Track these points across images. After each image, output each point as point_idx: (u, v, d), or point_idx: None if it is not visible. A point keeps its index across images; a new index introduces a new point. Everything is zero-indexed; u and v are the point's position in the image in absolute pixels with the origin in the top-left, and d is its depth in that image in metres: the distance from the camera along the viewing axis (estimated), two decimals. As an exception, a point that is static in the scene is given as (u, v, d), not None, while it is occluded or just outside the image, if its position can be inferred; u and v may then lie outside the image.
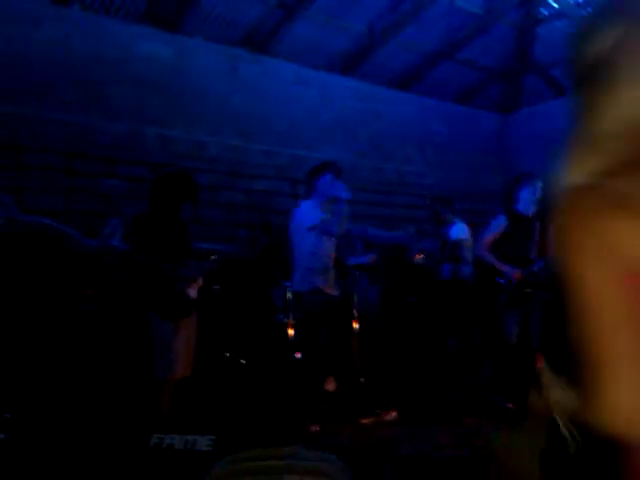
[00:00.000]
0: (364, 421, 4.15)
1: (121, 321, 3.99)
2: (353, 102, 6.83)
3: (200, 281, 3.75)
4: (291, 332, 4.72)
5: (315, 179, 4.48)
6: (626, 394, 0.86)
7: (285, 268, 5.36)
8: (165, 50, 5.59)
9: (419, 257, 5.46)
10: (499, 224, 4.58)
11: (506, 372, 4.41)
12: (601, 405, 0.86)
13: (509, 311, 4.48)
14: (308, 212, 4.40)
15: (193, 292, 3.67)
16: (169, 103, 5.58)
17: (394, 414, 4.18)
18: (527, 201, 4.53)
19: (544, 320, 4.37)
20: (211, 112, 5.82)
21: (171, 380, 3.53)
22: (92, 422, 3.30)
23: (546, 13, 6.06)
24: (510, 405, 4.09)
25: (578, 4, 5.82)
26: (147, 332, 3.55)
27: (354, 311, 4.53)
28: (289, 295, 4.84)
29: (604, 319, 0.87)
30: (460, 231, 5.40)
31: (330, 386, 4.52)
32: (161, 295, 3.52)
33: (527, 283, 4.41)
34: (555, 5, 5.89)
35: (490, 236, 4.58)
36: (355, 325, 4.51)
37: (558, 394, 1.12)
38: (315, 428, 3.45)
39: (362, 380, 4.60)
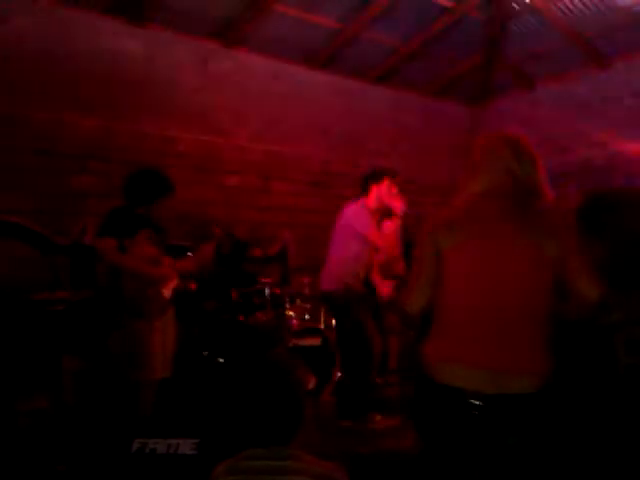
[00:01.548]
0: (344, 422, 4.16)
1: (95, 322, 3.90)
2: (327, 96, 6.80)
3: (175, 280, 3.68)
4: (270, 329, 4.71)
5: (375, 182, 4.30)
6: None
7: (263, 265, 5.33)
8: (135, 44, 5.46)
9: None
10: None
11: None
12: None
13: None
14: (360, 217, 4.21)
15: (168, 291, 3.59)
16: (140, 98, 5.46)
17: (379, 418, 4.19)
18: None
19: None
20: (182, 107, 5.71)
21: (150, 382, 3.46)
22: (72, 427, 3.23)
23: (517, 7, 6.09)
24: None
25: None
26: (123, 332, 3.47)
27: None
28: (267, 292, 4.81)
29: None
30: None
31: (310, 384, 4.51)
32: (135, 294, 3.44)
33: None
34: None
35: None
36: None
37: None
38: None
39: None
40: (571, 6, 5.96)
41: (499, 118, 8.03)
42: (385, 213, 4.30)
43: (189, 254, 3.95)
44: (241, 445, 1.76)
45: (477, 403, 1.66)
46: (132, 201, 3.56)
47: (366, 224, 4.13)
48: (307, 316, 5.11)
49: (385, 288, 4.91)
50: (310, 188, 6.66)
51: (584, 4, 5.90)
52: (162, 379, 3.53)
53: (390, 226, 4.33)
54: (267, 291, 4.82)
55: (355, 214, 4.21)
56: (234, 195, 6.06)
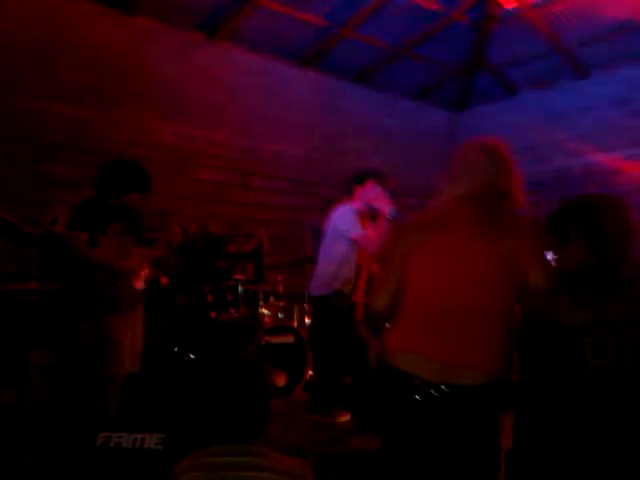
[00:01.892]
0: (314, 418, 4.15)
1: (65, 314, 3.83)
2: (309, 95, 6.79)
3: (147, 272, 3.63)
4: (242, 327, 4.69)
5: (359, 184, 4.24)
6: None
7: (237, 262, 5.29)
8: (118, 33, 5.38)
9: None
10: None
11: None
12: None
13: None
14: (345, 218, 4.15)
15: (139, 282, 3.55)
16: (120, 87, 5.38)
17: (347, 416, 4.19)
18: None
19: None
20: (163, 98, 5.65)
21: (118, 376, 3.41)
22: (35, 421, 3.17)
23: (502, 13, 6.14)
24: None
25: (536, 5, 5.92)
26: (92, 325, 3.42)
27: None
28: (241, 289, 4.78)
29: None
30: None
31: (280, 381, 4.50)
32: (105, 287, 3.38)
33: None
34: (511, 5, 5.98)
35: None
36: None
37: None
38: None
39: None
40: (555, 15, 6.04)
41: (479, 124, 8.09)
42: (372, 215, 4.24)
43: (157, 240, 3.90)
44: (206, 441, 1.75)
45: (428, 390, 1.76)
46: (105, 193, 3.50)
47: (351, 225, 4.07)
48: (280, 314, 5.09)
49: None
50: (290, 186, 6.64)
51: (567, 14, 5.97)
52: (130, 374, 3.48)
53: (377, 228, 4.24)
54: (240, 288, 4.78)
55: (340, 215, 4.17)
56: (210, 190, 6.01)
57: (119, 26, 5.40)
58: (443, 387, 1.74)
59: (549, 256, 1.95)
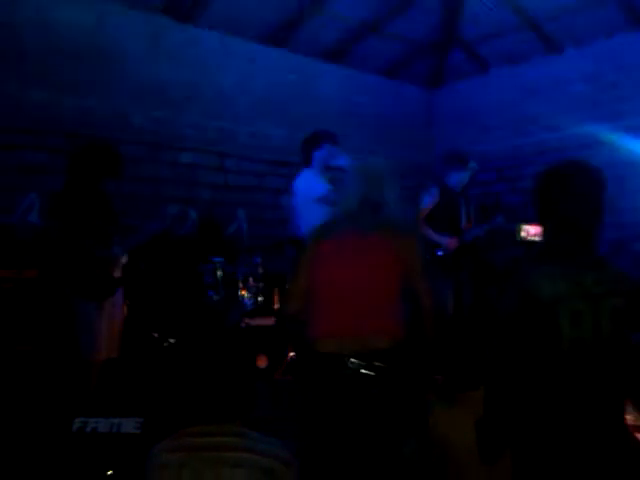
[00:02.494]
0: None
1: (41, 301, 3.80)
2: (283, 74, 6.71)
3: (124, 259, 3.61)
4: (221, 310, 4.68)
5: (313, 149, 4.18)
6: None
7: (218, 245, 5.27)
8: (84, 16, 5.26)
9: None
10: (432, 198, 4.65)
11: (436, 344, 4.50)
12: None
13: (445, 283, 4.58)
14: (312, 183, 4.08)
15: (117, 270, 3.53)
16: (89, 71, 5.28)
17: None
18: (459, 177, 4.64)
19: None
20: (133, 81, 5.56)
21: (96, 362, 3.40)
22: (10, 406, 3.15)
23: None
24: (439, 377, 4.19)
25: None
26: (69, 312, 3.40)
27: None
28: (219, 273, 4.76)
29: None
30: None
31: (262, 362, 4.51)
32: (82, 274, 3.36)
33: (462, 251, 4.54)
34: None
35: (424, 209, 4.65)
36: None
37: None
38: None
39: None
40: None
41: (454, 100, 8.09)
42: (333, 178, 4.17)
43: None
44: (185, 423, 1.75)
45: (352, 362, 2.18)
46: (79, 178, 3.45)
47: (320, 186, 4.00)
48: (260, 297, 5.08)
49: None
50: (270, 167, 6.60)
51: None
52: (109, 359, 3.48)
53: None
54: (219, 271, 4.77)
55: (306, 182, 4.10)
56: (188, 173, 5.96)
57: (84, 7, 5.28)
58: (361, 355, 2.18)
59: (534, 229, 1.98)
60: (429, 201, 4.66)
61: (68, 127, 5.07)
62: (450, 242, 4.54)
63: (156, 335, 4.47)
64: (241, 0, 5.77)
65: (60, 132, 5.02)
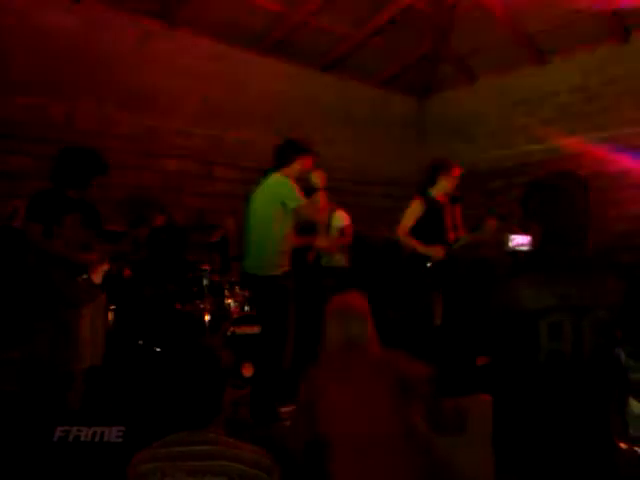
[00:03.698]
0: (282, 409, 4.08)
1: (22, 306, 3.76)
2: (272, 82, 6.72)
3: (105, 265, 3.57)
4: (207, 318, 4.65)
5: (298, 155, 3.95)
6: None
7: (204, 252, 5.25)
8: (70, 20, 5.24)
9: None
10: (417, 208, 4.65)
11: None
12: None
13: (432, 292, 4.57)
14: (290, 188, 3.78)
15: (97, 276, 3.49)
16: (76, 77, 5.26)
17: None
18: (444, 187, 4.64)
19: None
20: (121, 87, 5.55)
21: (78, 370, 3.36)
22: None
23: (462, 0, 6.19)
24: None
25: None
26: (50, 319, 3.36)
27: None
28: (205, 281, 4.74)
29: None
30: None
31: (247, 371, 4.48)
32: (62, 280, 3.32)
33: (448, 262, 4.54)
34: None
35: (409, 220, 4.64)
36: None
37: None
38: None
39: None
40: (515, 1, 6.09)
41: (443, 110, 8.14)
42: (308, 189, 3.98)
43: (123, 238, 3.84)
44: (165, 431, 1.74)
45: None
46: (61, 183, 3.43)
47: (297, 195, 3.78)
48: (246, 306, 5.05)
49: None
50: (259, 175, 6.58)
51: (525, 1, 6.03)
52: (92, 367, 3.44)
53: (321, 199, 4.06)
54: (205, 279, 4.75)
55: (281, 186, 3.85)
56: (175, 180, 5.94)
57: (71, 12, 5.25)
58: None
59: (522, 239, 1.97)
60: (414, 212, 4.65)
61: (55, 134, 5.03)
62: (437, 251, 4.54)
63: (141, 342, 4.44)
64: (231, 7, 5.78)
65: (47, 139, 4.98)
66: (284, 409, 3.77)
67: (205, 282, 4.77)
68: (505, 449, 1.76)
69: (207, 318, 4.64)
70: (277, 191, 3.81)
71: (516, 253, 2.02)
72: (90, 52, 5.36)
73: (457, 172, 4.64)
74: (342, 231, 5.40)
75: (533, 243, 1.86)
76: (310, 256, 5.25)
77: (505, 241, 2.26)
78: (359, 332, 2.34)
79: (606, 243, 5.31)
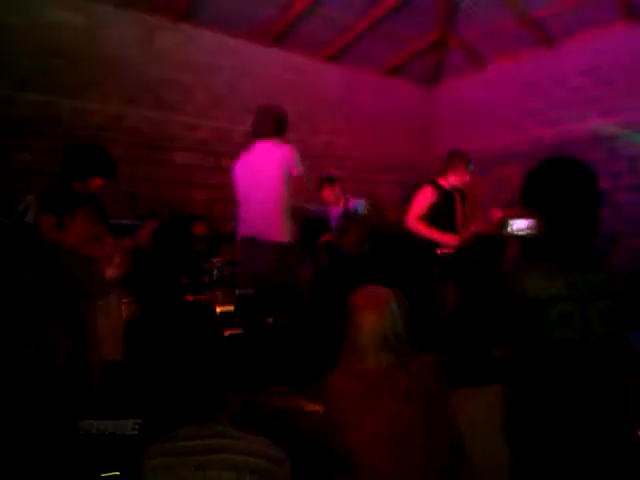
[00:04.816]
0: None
1: (38, 303, 3.78)
2: (279, 74, 6.70)
3: (118, 259, 3.59)
4: (219, 309, 4.66)
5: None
6: None
7: (215, 244, 5.26)
8: (76, 17, 5.25)
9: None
10: (428, 196, 4.63)
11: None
12: None
13: (445, 281, 4.56)
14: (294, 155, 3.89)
15: (111, 270, 3.51)
16: (83, 73, 5.27)
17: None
18: (459, 177, 4.63)
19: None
20: (128, 82, 5.55)
21: (95, 363, 3.39)
22: (14, 410, 3.14)
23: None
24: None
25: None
26: (65, 312, 3.39)
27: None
28: (216, 272, 4.75)
29: None
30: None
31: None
32: (76, 275, 3.34)
33: (462, 251, 4.53)
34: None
35: (420, 208, 4.62)
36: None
37: None
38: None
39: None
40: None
41: (453, 98, 8.07)
42: None
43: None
44: (176, 425, 1.74)
45: None
46: (68, 178, 3.45)
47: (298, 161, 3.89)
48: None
49: None
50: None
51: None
52: (113, 362, 3.47)
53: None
54: (216, 271, 4.76)
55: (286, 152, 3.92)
56: (184, 173, 5.95)
57: (77, 8, 5.26)
58: None
59: (522, 223, 1.95)
60: (425, 200, 4.64)
61: (64, 130, 5.06)
62: (451, 239, 4.52)
63: (157, 335, 4.47)
64: (236, -1, 5.76)
65: (57, 135, 5.00)
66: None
67: (215, 274, 4.78)
68: (516, 439, 1.76)
69: (218, 310, 4.65)
70: (284, 155, 3.86)
71: (518, 238, 1.99)
72: (96, 48, 5.36)
73: (470, 164, 4.63)
74: None
75: (537, 231, 1.83)
76: None
77: (504, 225, 2.23)
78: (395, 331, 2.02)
79: (618, 228, 5.32)
